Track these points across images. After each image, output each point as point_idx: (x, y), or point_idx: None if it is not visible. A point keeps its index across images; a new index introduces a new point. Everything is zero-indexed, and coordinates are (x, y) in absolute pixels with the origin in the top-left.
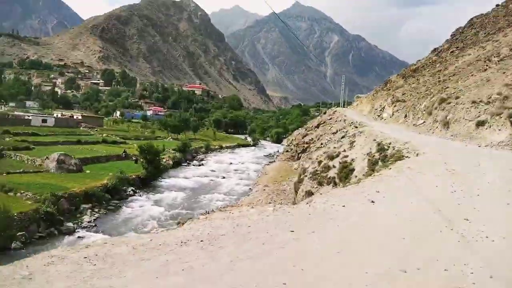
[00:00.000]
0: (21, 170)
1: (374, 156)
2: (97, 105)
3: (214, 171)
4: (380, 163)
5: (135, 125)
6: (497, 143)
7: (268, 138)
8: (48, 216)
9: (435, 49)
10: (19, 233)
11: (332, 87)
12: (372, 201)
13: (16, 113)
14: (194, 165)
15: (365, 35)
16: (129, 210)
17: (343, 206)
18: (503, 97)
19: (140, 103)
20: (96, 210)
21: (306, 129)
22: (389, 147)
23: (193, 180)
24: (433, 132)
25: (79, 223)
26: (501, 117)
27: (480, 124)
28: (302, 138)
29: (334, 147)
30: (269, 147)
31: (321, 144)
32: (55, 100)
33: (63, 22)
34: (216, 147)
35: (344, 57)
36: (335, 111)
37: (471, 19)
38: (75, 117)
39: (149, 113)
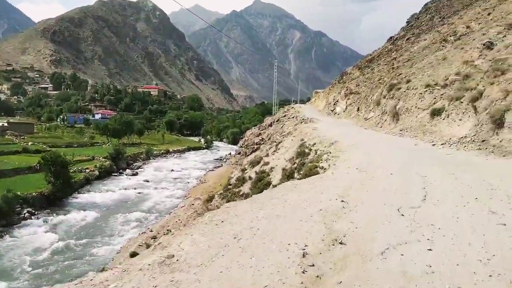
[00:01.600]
0: None
1: (294, 163)
2: (40, 110)
3: (148, 181)
4: (295, 174)
5: (75, 130)
6: (457, 139)
7: (224, 140)
8: None
9: (391, 38)
10: None
11: (296, 84)
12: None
13: None
14: (126, 175)
15: (326, 31)
16: (9, 241)
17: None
18: (463, 76)
19: (90, 106)
20: None
21: (259, 128)
22: (311, 150)
23: (117, 194)
24: (381, 127)
25: None
26: (461, 102)
27: (436, 113)
28: (254, 138)
29: (266, 150)
30: (224, 149)
31: (270, 145)
32: None
33: (15, 27)
34: (162, 151)
35: (306, 53)
36: (292, 107)
37: (426, 4)
38: (0, 124)
39: (97, 116)
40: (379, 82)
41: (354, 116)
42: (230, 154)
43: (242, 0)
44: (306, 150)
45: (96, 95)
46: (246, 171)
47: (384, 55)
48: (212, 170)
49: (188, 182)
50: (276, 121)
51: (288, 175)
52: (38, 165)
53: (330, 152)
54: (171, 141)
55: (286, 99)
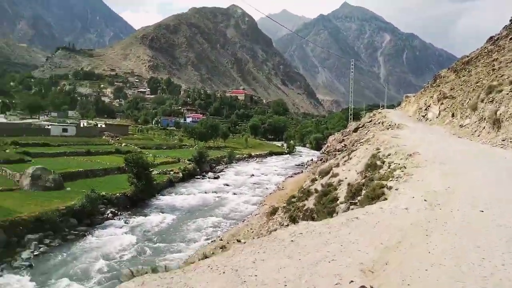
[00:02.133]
0: None
1: (365, 176)
2: (137, 113)
3: (228, 185)
4: (363, 191)
5: (165, 133)
6: None
7: (307, 145)
8: None
9: (491, 38)
10: None
11: (386, 88)
12: None
13: (40, 123)
14: (209, 178)
15: (418, 33)
16: (91, 241)
17: None
18: None
19: (182, 110)
20: (47, 241)
21: (342, 134)
22: (383, 163)
23: (197, 198)
24: (478, 135)
25: (12, 261)
26: None
27: None
28: (337, 144)
29: (340, 159)
30: (306, 155)
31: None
32: (99, 109)
33: (119, 34)
34: (244, 155)
35: (397, 56)
36: (379, 112)
37: None
38: (99, 125)
39: (188, 120)
40: (477, 85)
41: (448, 122)
42: (312, 160)
43: (330, 4)
44: (378, 162)
45: (188, 99)
46: (315, 182)
47: (483, 56)
48: (291, 176)
49: (267, 188)
50: (361, 127)
51: (354, 192)
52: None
53: (405, 167)
54: (254, 145)
55: (375, 104)
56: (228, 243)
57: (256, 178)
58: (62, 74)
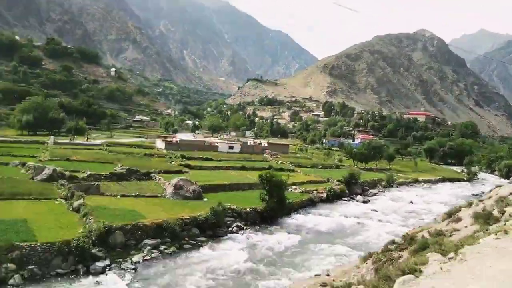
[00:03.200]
0: (136, 193)
1: None
2: (306, 134)
3: (376, 211)
4: None
5: (323, 153)
6: None
7: (496, 172)
8: (79, 250)
9: None
10: (31, 267)
11: None
12: None
13: (213, 140)
14: (357, 201)
15: None
16: (205, 253)
17: None
18: None
19: (353, 132)
20: (162, 247)
21: None
22: None
23: (334, 221)
24: None
25: (122, 262)
26: None
27: None
28: None
29: None
30: (491, 183)
31: None
32: (274, 130)
33: (304, 65)
34: (409, 180)
35: None
36: None
37: None
38: (262, 144)
39: (357, 141)
40: None
41: None
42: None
43: None
44: None
45: (361, 121)
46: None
47: None
48: (459, 210)
49: (423, 219)
50: None
51: None
52: None
53: None
54: (425, 169)
55: None
56: (334, 280)
57: (414, 206)
58: (249, 101)
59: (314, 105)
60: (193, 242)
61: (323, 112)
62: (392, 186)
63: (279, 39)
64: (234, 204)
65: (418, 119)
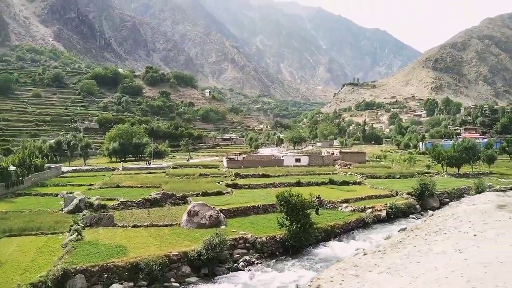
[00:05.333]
0: (149, 223)
1: None
2: (400, 138)
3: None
4: None
5: (405, 158)
6: None
7: None
8: None
9: None
10: None
11: None
12: None
13: (276, 154)
14: (424, 216)
15: None
16: None
17: None
18: None
19: (459, 130)
20: None
21: None
22: None
23: (371, 245)
24: None
25: None
26: None
27: None
28: None
29: None
30: None
31: None
32: (366, 136)
33: (406, 62)
34: (510, 186)
35: None
36: None
37: None
38: (335, 154)
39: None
40: None
41: None
42: None
43: None
44: None
45: (468, 117)
46: None
47: None
48: None
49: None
50: None
51: None
52: (317, 199)
53: None
54: None
55: None
56: None
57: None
58: (345, 107)
59: (417, 104)
60: (176, 284)
61: (425, 112)
62: (486, 191)
63: (377, 38)
64: (251, 232)
65: None
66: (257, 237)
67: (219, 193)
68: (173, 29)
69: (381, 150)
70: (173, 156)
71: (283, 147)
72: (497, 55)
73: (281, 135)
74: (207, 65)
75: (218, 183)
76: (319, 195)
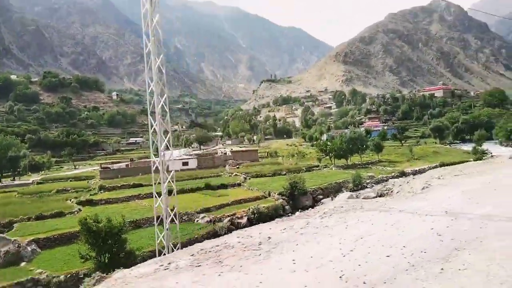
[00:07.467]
0: None
1: None
2: (306, 131)
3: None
4: None
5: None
6: None
7: None
8: None
9: None
10: None
11: None
12: None
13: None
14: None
15: None
16: None
17: None
18: None
19: (363, 120)
20: None
21: None
22: None
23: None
24: None
25: None
26: None
27: None
28: None
29: None
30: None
31: None
32: (278, 131)
33: (322, 58)
34: (394, 174)
35: None
36: None
37: None
38: (227, 153)
39: (361, 130)
40: None
41: None
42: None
43: None
44: None
45: (373, 106)
46: None
47: None
48: None
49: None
50: None
51: None
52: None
53: None
54: (424, 155)
55: None
56: None
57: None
58: (264, 103)
59: (330, 97)
60: None
61: (334, 104)
62: (366, 186)
63: (293, 36)
64: (50, 270)
65: (435, 94)
66: (54, 276)
67: (59, 215)
68: (83, 31)
69: (287, 144)
70: (60, 168)
71: (192, 147)
72: (401, 47)
73: (191, 136)
74: (122, 67)
75: (70, 200)
76: (174, 207)
